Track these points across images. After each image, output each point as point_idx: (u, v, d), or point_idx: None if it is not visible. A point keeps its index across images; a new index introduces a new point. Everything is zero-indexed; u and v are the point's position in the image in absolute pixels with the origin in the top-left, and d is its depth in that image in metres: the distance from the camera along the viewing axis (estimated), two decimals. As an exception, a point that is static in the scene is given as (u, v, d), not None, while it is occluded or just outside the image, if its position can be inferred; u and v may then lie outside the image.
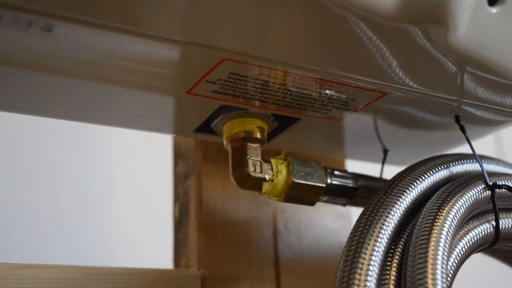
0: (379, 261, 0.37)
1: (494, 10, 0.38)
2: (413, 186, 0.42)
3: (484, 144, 0.55)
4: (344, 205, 0.49)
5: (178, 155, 0.58)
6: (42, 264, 0.46)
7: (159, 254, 0.63)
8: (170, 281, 0.50)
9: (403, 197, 0.41)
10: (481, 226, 0.43)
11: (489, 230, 0.43)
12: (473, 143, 0.47)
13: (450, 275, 0.38)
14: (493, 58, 0.39)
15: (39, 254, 0.79)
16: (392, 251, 0.39)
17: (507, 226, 0.44)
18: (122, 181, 0.88)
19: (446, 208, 0.39)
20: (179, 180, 0.56)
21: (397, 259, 0.38)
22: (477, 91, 0.43)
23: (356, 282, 0.35)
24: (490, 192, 0.43)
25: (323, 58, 0.38)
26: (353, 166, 0.58)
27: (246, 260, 0.52)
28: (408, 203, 0.41)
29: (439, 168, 0.44)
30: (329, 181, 0.47)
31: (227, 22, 0.34)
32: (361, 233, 0.38)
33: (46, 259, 0.78)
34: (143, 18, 0.32)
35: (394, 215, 0.39)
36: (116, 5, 0.31)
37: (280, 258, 0.54)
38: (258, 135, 0.45)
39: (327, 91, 0.41)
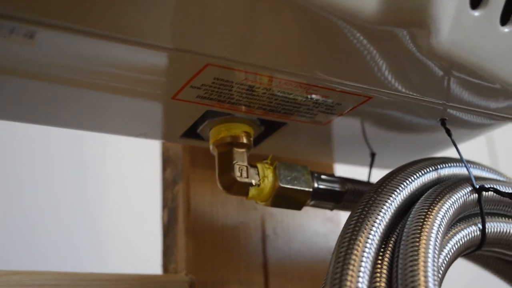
0: (371, 258, 0.36)
1: (476, 13, 0.38)
2: (403, 186, 0.42)
3: (476, 148, 0.55)
4: (331, 209, 0.49)
5: (167, 160, 0.58)
6: (29, 271, 0.46)
7: (148, 260, 0.63)
8: (159, 287, 0.50)
9: (393, 195, 0.41)
10: (468, 229, 0.43)
11: (475, 233, 0.43)
12: (464, 146, 0.47)
13: (439, 274, 0.39)
14: (477, 61, 0.39)
15: (30, 259, 0.79)
16: (382, 249, 0.39)
17: (493, 230, 0.44)
18: (112, 187, 0.88)
19: (436, 208, 0.40)
20: (168, 185, 0.56)
21: (387, 257, 0.38)
22: (462, 95, 0.43)
23: (349, 278, 0.35)
24: (477, 195, 0.43)
25: (309, 62, 0.38)
26: (343, 170, 0.58)
27: (234, 265, 0.52)
28: (398, 203, 0.41)
29: (428, 170, 0.44)
30: (315, 185, 0.47)
31: (212, 28, 0.34)
32: (353, 230, 0.38)
33: (37, 264, 0.78)
34: (127, 25, 0.32)
35: (385, 214, 0.39)
36: (100, 11, 0.31)
37: (268, 263, 0.54)
38: (244, 140, 0.45)
39: (313, 96, 0.41)
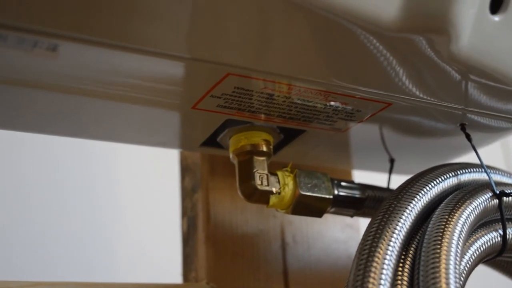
0: (392, 265, 0.36)
1: (496, 18, 0.38)
2: (423, 192, 0.42)
3: (491, 153, 0.54)
4: (352, 216, 0.49)
5: (185, 169, 0.58)
6: (50, 282, 0.46)
7: (168, 269, 0.63)
8: (180, 296, 0.50)
9: (414, 202, 0.40)
10: (488, 235, 0.42)
11: (496, 239, 0.43)
12: (480, 151, 0.46)
13: (461, 281, 0.38)
14: (497, 66, 0.39)
15: (45, 268, 0.79)
16: (403, 256, 0.38)
17: (514, 236, 0.44)
18: (130, 196, 0.88)
19: (456, 214, 0.39)
20: (187, 194, 0.57)
21: (408, 263, 0.38)
22: (481, 99, 0.42)
23: (370, 286, 0.35)
24: (497, 200, 0.43)
25: (327, 70, 0.38)
26: (361, 176, 0.58)
27: (255, 273, 0.52)
28: (419, 209, 0.41)
29: (448, 176, 0.44)
30: (336, 192, 0.47)
31: (230, 38, 0.34)
32: (374, 237, 0.38)
33: (53, 274, 0.78)
34: (146, 36, 0.33)
35: (406, 220, 0.39)
36: (119, 24, 0.31)
37: (289, 271, 0.54)
38: (264, 148, 0.45)
39: (332, 103, 0.41)
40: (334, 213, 0.48)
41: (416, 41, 0.35)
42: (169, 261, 0.65)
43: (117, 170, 0.90)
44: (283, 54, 0.36)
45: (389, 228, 0.38)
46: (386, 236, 0.38)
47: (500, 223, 0.44)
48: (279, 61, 0.36)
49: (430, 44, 0.36)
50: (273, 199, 0.44)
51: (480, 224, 0.43)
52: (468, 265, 0.40)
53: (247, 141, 0.44)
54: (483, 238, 0.42)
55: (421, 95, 0.41)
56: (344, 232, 0.58)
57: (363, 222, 0.49)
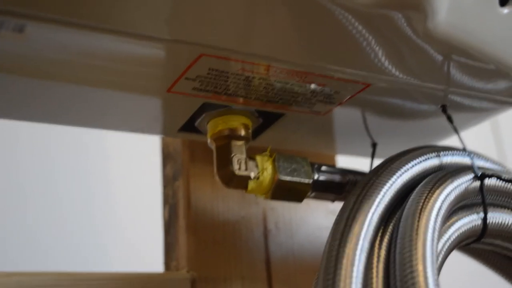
0: (369, 239, 0.36)
1: (474, -6, 0.37)
2: (404, 170, 0.41)
3: (482, 139, 0.54)
4: (333, 200, 0.49)
5: (167, 156, 0.57)
6: (28, 272, 0.45)
7: (150, 257, 0.63)
8: (160, 285, 0.50)
9: (393, 178, 0.41)
10: (469, 217, 0.42)
11: (476, 222, 0.42)
12: (470, 137, 0.46)
13: (438, 260, 0.38)
14: (476, 43, 0.38)
15: (32, 260, 0.79)
16: (381, 231, 0.38)
17: (495, 220, 0.43)
18: (114, 185, 0.88)
19: (437, 191, 0.39)
20: (168, 181, 0.56)
21: (386, 239, 0.38)
22: (462, 79, 0.42)
23: (346, 256, 0.35)
24: (479, 182, 0.43)
25: (304, 50, 0.37)
26: (346, 161, 0.57)
27: (237, 261, 0.52)
28: (398, 186, 0.41)
29: (430, 156, 0.44)
30: (316, 176, 0.46)
31: (206, 18, 0.33)
32: (352, 209, 0.38)
33: (39, 264, 0.77)
34: (120, 16, 0.32)
35: (385, 195, 0.39)
36: (92, 3, 0.31)
37: (271, 258, 0.53)
38: (243, 133, 0.44)
39: (311, 85, 0.41)
40: (315, 197, 0.47)
41: (392, 17, 0.35)
42: (152, 249, 0.64)
43: (103, 159, 0.89)
44: (258, 33, 0.35)
45: (367, 202, 0.38)
46: (364, 210, 0.38)
47: (481, 207, 0.43)
48: (254, 41, 0.36)
49: (406, 21, 0.35)
50: (251, 184, 0.43)
51: (461, 206, 0.42)
52: (446, 246, 0.39)
53: (225, 125, 0.44)
54: (463, 219, 0.42)
55: (400, 75, 0.40)
56: (327, 218, 0.57)
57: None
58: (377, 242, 0.37)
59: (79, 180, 0.87)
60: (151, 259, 0.63)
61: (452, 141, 0.49)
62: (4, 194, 0.80)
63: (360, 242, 0.35)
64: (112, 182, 0.88)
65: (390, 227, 0.38)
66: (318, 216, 0.57)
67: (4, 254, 0.77)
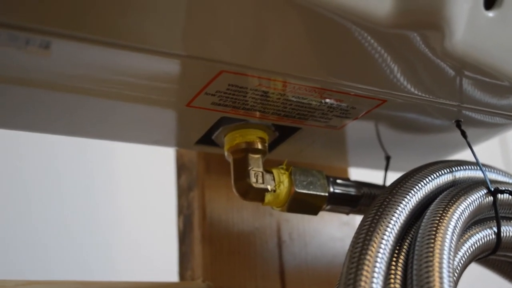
0: (386, 259, 0.36)
1: (491, 14, 0.38)
2: (418, 188, 0.41)
3: (490, 151, 0.54)
4: (347, 213, 0.49)
5: (181, 167, 0.58)
6: (46, 280, 0.46)
7: (164, 268, 0.63)
8: (176, 294, 0.50)
9: (408, 197, 0.40)
10: (483, 232, 0.42)
11: (490, 237, 0.43)
12: (477, 149, 0.46)
13: (455, 276, 0.38)
14: (491, 62, 0.39)
15: (43, 267, 0.79)
16: (397, 251, 0.38)
17: (509, 234, 0.44)
18: (127, 195, 0.88)
19: (451, 210, 0.39)
20: (183, 192, 0.56)
21: (402, 259, 0.38)
22: (476, 96, 0.42)
23: (363, 279, 0.34)
24: (492, 197, 0.43)
25: (322, 67, 0.38)
26: (357, 174, 0.58)
27: (251, 271, 0.52)
28: (413, 204, 0.40)
29: (443, 172, 0.44)
30: (331, 189, 0.47)
31: (224, 35, 0.34)
32: (368, 231, 0.37)
33: (50, 273, 0.78)
34: (140, 33, 0.32)
35: (400, 215, 0.39)
36: (113, 21, 0.31)
37: (285, 269, 0.54)
38: (259, 146, 0.45)
39: (327, 100, 0.41)
40: (330, 210, 0.48)
41: (410, 37, 0.35)
42: (166, 259, 0.65)
43: (114, 169, 0.89)
44: (277, 51, 0.36)
45: (383, 222, 0.38)
46: (380, 230, 0.37)
47: (494, 221, 0.43)
48: (273, 58, 0.36)
49: (424, 40, 0.36)
50: (268, 197, 0.44)
51: (475, 222, 0.43)
52: (462, 262, 0.39)
53: (242, 139, 0.44)
54: (477, 235, 0.42)
55: (416, 92, 0.41)
56: (340, 230, 0.58)
57: (360, 220, 0.49)
58: (393, 262, 0.37)
59: (90, 190, 0.87)
60: (163, 269, 0.63)
61: (465, 155, 0.49)
62: (8, 199, 0.80)
63: (378, 264, 0.35)
64: (124, 192, 0.88)
65: (405, 246, 0.38)
66: (332, 227, 0.57)
67: (6, 260, 0.77)
